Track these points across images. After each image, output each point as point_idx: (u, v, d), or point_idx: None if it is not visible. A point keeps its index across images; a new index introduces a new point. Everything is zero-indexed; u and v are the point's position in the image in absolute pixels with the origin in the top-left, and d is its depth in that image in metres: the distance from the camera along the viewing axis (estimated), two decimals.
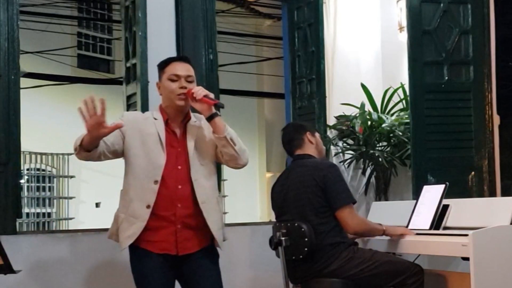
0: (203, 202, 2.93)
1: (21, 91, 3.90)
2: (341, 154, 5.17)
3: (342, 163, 5.12)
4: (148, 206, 2.87)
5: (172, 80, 2.96)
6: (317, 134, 3.55)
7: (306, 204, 3.28)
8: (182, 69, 2.99)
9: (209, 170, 3.02)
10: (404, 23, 5.03)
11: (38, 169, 11.93)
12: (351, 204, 3.28)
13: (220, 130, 2.90)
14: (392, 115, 5.26)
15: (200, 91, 2.92)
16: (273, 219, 3.60)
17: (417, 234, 3.40)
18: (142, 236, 2.90)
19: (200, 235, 2.97)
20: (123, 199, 2.96)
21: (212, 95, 2.95)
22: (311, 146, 3.47)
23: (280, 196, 3.44)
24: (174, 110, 2.99)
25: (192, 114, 3.06)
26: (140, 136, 2.94)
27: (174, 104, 2.96)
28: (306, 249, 3.21)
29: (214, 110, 2.92)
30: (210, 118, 2.92)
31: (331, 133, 5.16)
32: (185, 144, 2.98)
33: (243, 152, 2.98)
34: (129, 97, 4.33)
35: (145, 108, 4.06)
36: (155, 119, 2.99)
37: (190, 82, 2.98)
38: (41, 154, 11.78)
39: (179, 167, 2.94)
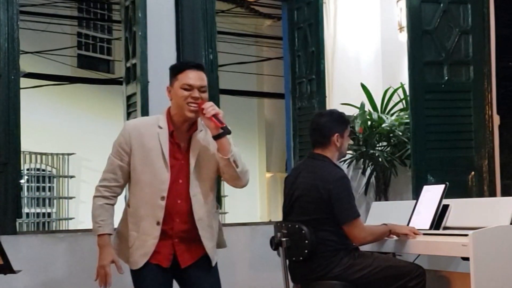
0: (200, 219, 2.91)
1: (21, 91, 3.91)
2: None
3: (342, 163, 5.11)
4: (158, 223, 2.86)
5: (185, 89, 2.87)
6: (346, 134, 3.42)
7: (308, 213, 3.26)
8: (196, 78, 2.90)
9: (209, 186, 2.97)
10: (404, 23, 5.03)
11: (38, 169, 11.93)
12: (357, 218, 3.24)
13: (225, 151, 2.85)
14: (392, 115, 5.26)
15: (210, 109, 2.84)
16: (273, 219, 3.60)
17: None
18: None
19: (196, 247, 2.95)
20: (133, 217, 2.92)
21: (221, 114, 2.86)
22: (334, 148, 3.37)
23: (289, 195, 3.42)
24: (182, 119, 2.91)
25: (198, 123, 2.98)
26: (143, 151, 2.89)
27: (183, 114, 2.89)
28: (306, 251, 3.21)
29: (221, 131, 2.85)
30: (216, 137, 2.86)
31: None
32: (188, 157, 2.92)
33: (244, 174, 2.93)
34: (129, 97, 4.33)
35: (145, 108, 4.06)
36: (160, 127, 2.92)
37: (203, 92, 2.90)
38: (41, 154, 11.78)
39: (180, 181, 2.91)
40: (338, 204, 3.20)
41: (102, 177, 2.99)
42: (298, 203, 3.32)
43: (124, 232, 2.98)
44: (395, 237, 3.41)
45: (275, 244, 3.31)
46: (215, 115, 2.83)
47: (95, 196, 2.99)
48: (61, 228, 11.68)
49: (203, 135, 2.95)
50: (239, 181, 2.94)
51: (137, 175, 2.90)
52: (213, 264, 2.99)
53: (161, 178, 2.87)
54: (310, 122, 3.51)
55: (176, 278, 3.00)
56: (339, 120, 3.43)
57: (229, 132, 2.86)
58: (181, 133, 2.94)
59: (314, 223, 3.23)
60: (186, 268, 2.93)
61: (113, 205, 2.97)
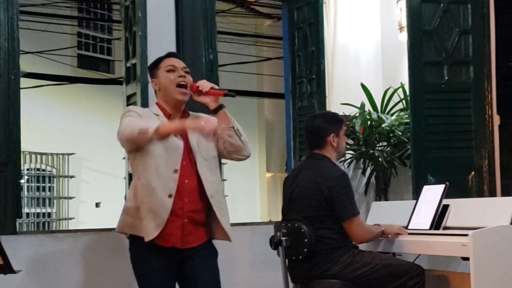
0: (212, 196, 2.95)
1: (21, 91, 3.90)
2: None
3: (342, 163, 5.12)
4: (170, 195, 2.88)
5: (170, 71, 2.99)
6: (342, 133, 3.46)
7: (308, 210, 3.28)
8: (177, 61, 3.04)
9: (213, 164, 3.03)
10: (404, 23, 5.03)
11: (38, 169, 11.94)
12: (357, 215, 3.28)
13: (228, 121, 2.94)
14: (392, 115, 5.26)
15: (206, 84, 2.94)
16: (273, 219, 3.61)
17: (417, 234, 3.41)
18: None
19: (201, 230, 2.99)
20: (145, 190, 2.91)
21: (217, 87, 2.98)
22: (331, 148, 3.41)
23: (288, 193, 3.44)
24: (173, 105, 3.00)
25: (189, 112, 3.07)
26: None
27: (172, 98, 2.98)
28: (305, 249, 3.21)
29: (220, 102, 2.95)
30: (217, 109, 2.94)
31: None
32: (187, 140, 2.98)
33: (247, 144, 3.03)
34: (129, 97, 4.33)
35: (145, 108, 4.06)
36: (156, 115, 3.00)
37: (187, 73, 3.01)
38: (41, 154, 11.78)
39: (184, 163, 2.94)
40: (339, 201, 3.23)
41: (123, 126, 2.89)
42: (298, 201, 3.34)
43: (133, 207, 2.95)
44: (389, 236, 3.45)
45: (274, 243, 3.32)
46: (212, 88, 2.93)
47: (124, 125, 2.86)
48: (61, 228, 11.68)
49: (196, 120, 2.99)
50: (243, 151, 3.02)
51: (152, 148, 2.90)
52: (231, 240, 3.00)
53: (175, 150, 2.91)
54: (305, 125, 3.53)
55: (180, 267, 3.00)
56: (333, 120, 3.47)
57: (233, 95, 2.94)
58: (176, 119, 3.00)
59: (314, 221, 3.25)
60: (189, 253, 2.94)
61: None
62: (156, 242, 2.91)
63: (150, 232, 2.88)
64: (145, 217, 2.90)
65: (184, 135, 2.98)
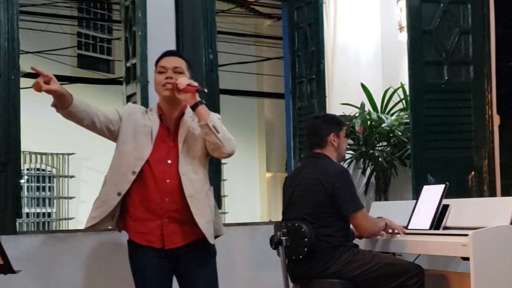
0: (191, 196, 2.93)
1: (21, 91, 3.90)
2: None
3: (342, 163, 5.11)
4: (119, 194, 2.93)
5: (160, 72, 3.03)
6: (342, 134, 3.49)
7: (309, 207, 3.29)
8: (169, 61, 3.05)
9: (199, 164, 3.02)
10: (404, 23, 5.02)
11: (38, 169, 11.92)
12: (362, 209, 3.29)
13: (203, 118, 2.93)
14: (392, 115, 5.26)
15: (183, 81, 2.96)
16: (273, 219, 3.61)
17: (417, 234, 3.41)
18: (132, 227, 2.97)
19: (187, 230, 2.96)
20: (103, 180, 3.05)
21: (195, 83, 2.98)
22: (332, 148, 3.45)
23: (288, 193, 3.46)
24: (166, 103, 3.04)
25: (186, 112, 3.09)
26: (134, 126, 3.01)
27: (162, 96, 3.03)
28: (305, 249, 3.22)
29: (198, 99, 2.96)
30: (194, 107, 2.95)
31: None
32: (177, 139, 3.02)
33: (227, 141, 2.97)
34: (129, 97, 4.33)
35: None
36: (152, 114, 3.07)
37: (179, 73, 3.03)
38: (41, 154, 11.77)
39: (169, 161, 2.97)
40: (342, 196, 3.25)
41: None
42: (299, 198, 3.36)
43: None
44: (385, 235, 3.46)
45: (274, 243, 3.32)
46: (189, 84, 2.95)
47: None
48: (61, 228, 11.67)
49: (191, 120, 3.06)
50: (223, 149, 2.96)
51: (120, 144, 3.01)
52: (211, 241, 2.98)
53: (141, 153, 2.96)
54: (306, 126, 3.55)
55: (174, 270, 3.02)
56: (334, 121, 3.53)
57: (203, 90, 2.98)
58: (170, 118, 3.05)
59: (315, 218, 3.26)
60: (180, 252, 2.95)
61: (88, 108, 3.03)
62: (135, 240, 2.95)
63: (87, 221, 2.99)
64: (94, 204, 3.01)
65: (175, 135, 3.02)
